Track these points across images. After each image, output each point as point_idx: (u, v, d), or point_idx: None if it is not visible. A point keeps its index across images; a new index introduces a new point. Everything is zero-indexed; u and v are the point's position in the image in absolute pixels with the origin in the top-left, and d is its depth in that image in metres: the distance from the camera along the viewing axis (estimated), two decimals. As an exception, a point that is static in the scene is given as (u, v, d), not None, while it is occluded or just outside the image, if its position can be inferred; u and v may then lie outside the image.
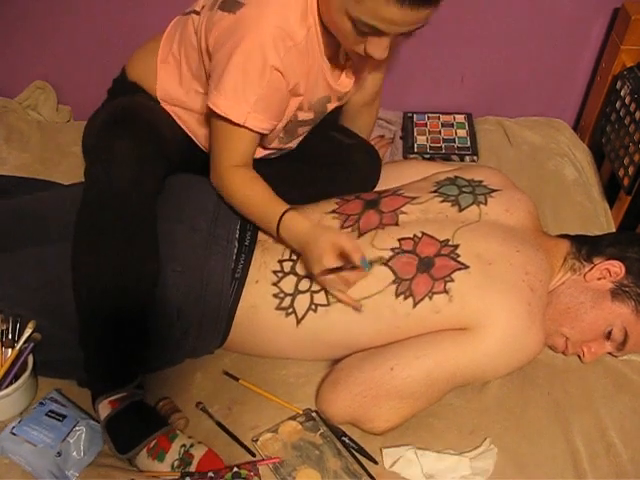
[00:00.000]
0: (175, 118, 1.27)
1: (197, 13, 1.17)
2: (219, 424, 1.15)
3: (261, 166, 1.31)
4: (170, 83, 1.24)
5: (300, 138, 1.33)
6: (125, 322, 1.11)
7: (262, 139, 1.20)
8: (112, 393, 1.09)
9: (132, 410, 1.08)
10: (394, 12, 0.93)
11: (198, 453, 1.07)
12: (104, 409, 1.09)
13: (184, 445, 1.07)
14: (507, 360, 1.12)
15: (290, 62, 1.07)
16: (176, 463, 1.06)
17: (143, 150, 1.09)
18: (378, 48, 1.01)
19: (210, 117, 1.14)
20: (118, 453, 1.07)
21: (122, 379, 1.10)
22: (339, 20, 1.00)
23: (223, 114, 1.09)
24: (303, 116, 1.22)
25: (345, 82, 1.24)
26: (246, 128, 1.10)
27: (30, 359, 1.16)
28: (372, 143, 1.58)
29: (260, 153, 1.28)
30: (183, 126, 1.27)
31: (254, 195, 1.17)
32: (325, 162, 1.34)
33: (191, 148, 1.29)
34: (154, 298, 1.13)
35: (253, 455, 1.11)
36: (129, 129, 1.10)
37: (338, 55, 1.18)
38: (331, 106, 1.26)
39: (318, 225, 1.16)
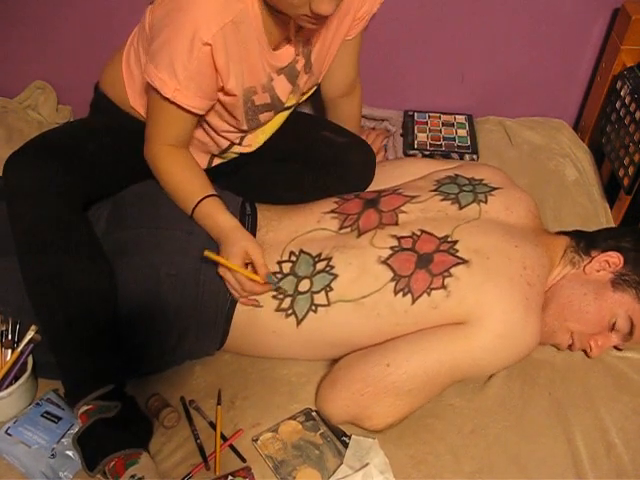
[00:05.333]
0: None
1: (152, 3, 1.17)
2: (211, 424, 1.15)
3: (254, 168, 1.31)
4: (138, 84, 1.24)
5: (267, 127, 1.30)
6: (71, 331, 1.10)
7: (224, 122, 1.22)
8: (79, 405, 1.08)
9: (100, 426, 1.07)
10: None
11: None
12: (79, 422, 1.09)
13: (133, 476, 1.03)
14: (504, 354, 1.12)
15: (222, 39, 1.05)
16: None
17: (45, 178, 1.08)
18: (322, 2, 0.95)
19: (148, 90, 1.13)
20: (87, 469, 1.05)
21: (80, 390, 1.09)
22: None
23: (154, 86, 1.08)
24: (260, 100, 1.20)
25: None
26: (176, 105, 1.09)
27: (30, 360, 1.16)
28: (365, 135, 1.59)
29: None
30: None
31: (179, 174, 1.18)
32: (318, 162, 1.32)
33: None
34: (100, 304, 1.12)
35: (244, 460, 1.10)
36: (32, 160, 1.10)
37: (286, 39, 1.16)
38: (283, 89, 1.23)
39: (240, 228, 1.16)
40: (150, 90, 1.12)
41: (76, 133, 1.23)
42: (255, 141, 1.31)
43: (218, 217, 1.16)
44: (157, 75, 1.07)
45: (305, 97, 1.33)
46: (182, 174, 1.18)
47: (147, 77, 1.09)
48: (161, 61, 1.06)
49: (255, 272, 1.13)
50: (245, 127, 1.24)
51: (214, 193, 1.18)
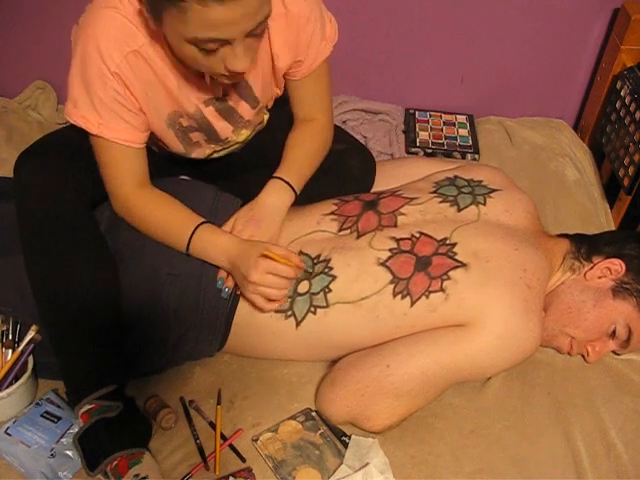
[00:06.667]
0: None
1: None
2: (211, 424, 1.15)
3: (253, 173, 1.30)
4: None
5: (210, 148, 1.24)
6: (75, 330, 1.10)
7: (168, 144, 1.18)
8: (82, 404, 1.08)
9: (101, 425, 1.07)
10: (219, 11, 0.85)
11: None
12: (80, 422, 1.09)
13: (137, 475, 1.03)
14: (504, 355, 1.12)
15: (129, 67, 1.01)
16: None
17: (58, 177, 1.07)
18: (236, 59, 0.93)
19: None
20: (87, 469, 1.05)
21: (82, 389, 1.09)
22: (184, 50, 0.93)
23: (79, 125, 1.06)
24: (186, 123, 1.15)
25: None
26: (109, 140, 1.06)
27: (30, 360, 1.16)
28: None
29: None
30: None
31: (159, 213, 1.13)
32: (318, 169, 1.29)
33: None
34: (106, 303, 1.12)
35: (243, 460, 1.10)
36: (38, 158, 1.09)
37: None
38: (218, 124, 1.18)
39: (244, 241, 1.12)
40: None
41: (87, 134, 1.21)
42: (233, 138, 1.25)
43: (219, 240, 1.12)
44: (78, 114, 1.05)
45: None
46: (161, 213, 1.14)
47: (69, 118, 1.06)
48: (79, 97, 1.04)
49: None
50: (183, 150, 1.21)
51: (204, 220, 1.13)
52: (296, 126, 1.27)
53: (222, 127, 1.19)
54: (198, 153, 1.24)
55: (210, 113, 1.16)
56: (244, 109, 1.19)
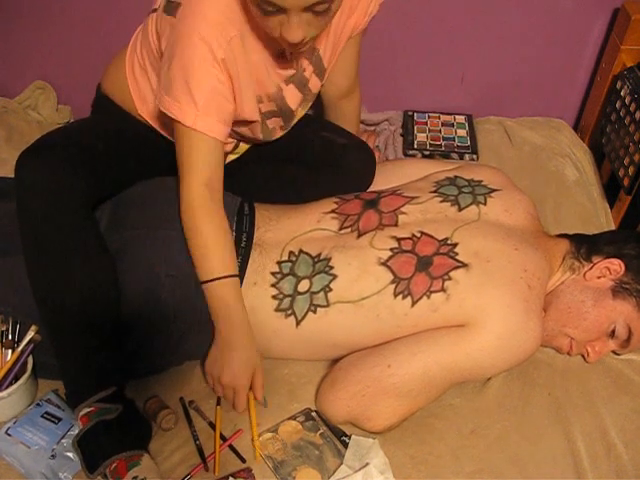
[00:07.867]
0: (159, 129, 1.27)
1: (155, 11, 1.18)
2: (210, 424, 1.15)
3: (253, 169, 1.30)
4: (144, 92, 1.24)
5: (279, 133, 1.31)
6: (75, 331, 1.10)
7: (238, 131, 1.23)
8: (81, 407, 1.08)
9: (101, 428, 1.07)
10: None
11: None
12: (79, 425, 1.10)
13: (135, 477, 1.03)
14: (504, 356, 1.12)
15: (232, 52, 1.06)
16: None
17: (59, 178, 1.07)
18: (289, 29, 0.95)
19: (171, 121, 1.11)
20: (87, 472, 1.05)
21: (82, 392, 1.09)
22: (251, 6, 0.98)
23: (173, 117, 1.08)
24: (265, 108, 1.21)
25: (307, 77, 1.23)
26: (198, 132, 1.07)
27: (30, 360, 1.16)
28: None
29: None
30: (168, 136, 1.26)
31: (209, 238, 1.11)
32: (319, 164, 1.33)
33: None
34: (105, 304, 1.12)
35: (243, 461, 1.10)
36: (41, 159, 1.09)
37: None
38: (293, 98, 1.24)
39: (248, 331, 1.13)
40: (172, 121, 1.10)
41: (87, 133, 1.22)
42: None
43: (232, 306, 1.12)
44: (174, 105, 1.07)
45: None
46: (211, 239, 1.12)
47: (164, 110, 1.08)
48: (178, 89, 1.06)
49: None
50: (261, 137, 1.26)
51: (236, 274, 1.13)
52: (344, 101, 1.43)
53: (295, 99, 1.24)
54: (271, 138, 1.30)
55: (290, 90, 1.21)
56: (314, 82, 1.25)
